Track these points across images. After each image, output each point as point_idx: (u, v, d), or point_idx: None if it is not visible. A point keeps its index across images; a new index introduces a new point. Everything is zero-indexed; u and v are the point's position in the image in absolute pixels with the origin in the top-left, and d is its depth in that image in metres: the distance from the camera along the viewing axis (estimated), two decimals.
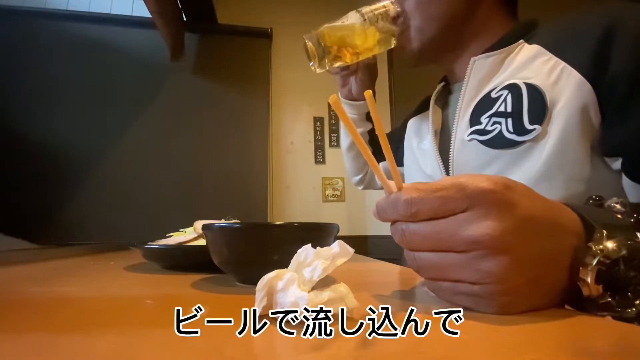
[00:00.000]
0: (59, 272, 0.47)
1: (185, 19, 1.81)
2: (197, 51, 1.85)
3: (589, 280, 0.23)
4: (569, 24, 0.45)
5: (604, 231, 0.24)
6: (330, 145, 2.07)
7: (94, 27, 1.72)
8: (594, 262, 0.23)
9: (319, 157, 2.05)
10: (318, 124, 2.07)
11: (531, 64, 0.45)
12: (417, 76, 0.76)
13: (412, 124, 0.70)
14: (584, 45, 0.41)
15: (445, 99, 0.62)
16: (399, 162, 0.72)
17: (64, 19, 1.71)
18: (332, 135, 2.08)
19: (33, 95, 1.62)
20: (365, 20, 0.51)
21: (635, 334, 0.20)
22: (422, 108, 0.67)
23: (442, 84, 0.63)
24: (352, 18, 0.51)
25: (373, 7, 0.52)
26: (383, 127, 0.24)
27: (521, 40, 0.48)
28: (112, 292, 0.33)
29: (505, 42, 0.49)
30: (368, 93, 0.23)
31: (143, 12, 1.56)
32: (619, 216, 0.27)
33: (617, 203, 0.28)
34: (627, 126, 0.38)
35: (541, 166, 0.41)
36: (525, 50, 0.47)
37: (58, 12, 1.72)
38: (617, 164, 0.40)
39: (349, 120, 0.24)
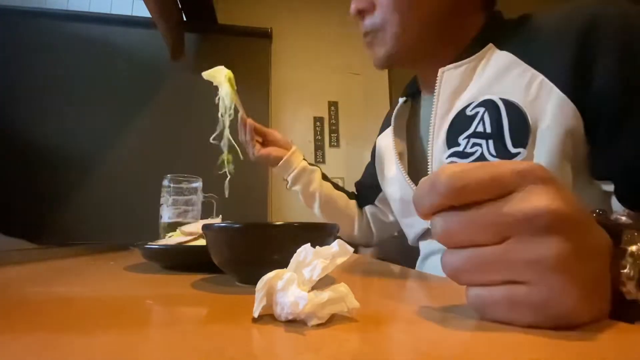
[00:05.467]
0: (59, 272, 0.47)
1: (185, 19, 1.81)
2: (197, 51, 1.85)
3: (631, 282, 0.20)
4: (541, 25, 0.40)
5: (635, 232, 0.21)
6: (330, 145, 2.07)
7: (94, 27, 1.72)
8: (634, 261, 0.20)
9: (319, 157, 2.05)
10: (318, 124, 2.07)
11: (505, 76, 0.41)
12: None
13: (380, 142, 0.65)
14: (561, 54, 0.36)
15: (414, 111, 0.58)
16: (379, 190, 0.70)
17: (64, 19, 1.71)
18: (332, 135, 2.08)
19: (33, 95, 1.61)
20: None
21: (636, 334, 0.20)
22: (388, 123, 0.60)
23: (403, 100, 0.59)
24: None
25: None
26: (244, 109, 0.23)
27: (490, 44, 0.44)
28: (112, 292, 0.33)
29: (474, 48, 0.45)
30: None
31: (143, 12, 1.55)
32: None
33: (622, 215, 0.26)
34: (617, 150, 0.35)
35: None
36: (497, 58, 0.43)
37: (58, 12, 1.72)
38: (606, 185, 0.38)
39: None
